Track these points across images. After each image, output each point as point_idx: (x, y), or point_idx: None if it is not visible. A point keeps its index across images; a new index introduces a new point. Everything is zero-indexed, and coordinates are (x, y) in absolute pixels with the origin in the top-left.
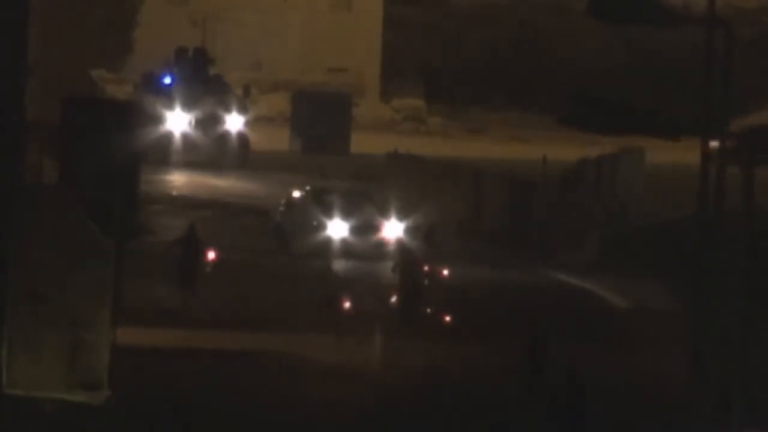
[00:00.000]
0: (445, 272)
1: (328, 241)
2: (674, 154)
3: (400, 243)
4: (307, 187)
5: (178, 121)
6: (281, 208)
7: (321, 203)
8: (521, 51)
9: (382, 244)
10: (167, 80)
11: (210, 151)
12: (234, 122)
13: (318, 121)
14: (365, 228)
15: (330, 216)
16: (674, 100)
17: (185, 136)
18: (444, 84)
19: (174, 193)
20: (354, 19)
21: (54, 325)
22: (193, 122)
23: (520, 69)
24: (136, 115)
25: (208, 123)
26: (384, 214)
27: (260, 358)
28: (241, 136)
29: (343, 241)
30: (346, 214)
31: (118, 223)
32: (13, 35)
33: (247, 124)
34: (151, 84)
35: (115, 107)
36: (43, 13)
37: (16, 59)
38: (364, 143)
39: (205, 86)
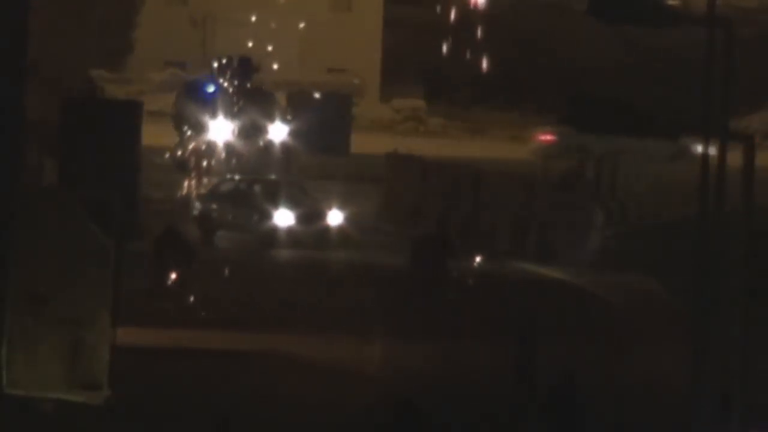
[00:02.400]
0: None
1: (263, 230)
2: None
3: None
4: (236, 177)
5: (221, 130)
6: (198, 200)
7: (251, 193)
8: (521, 51)
9: (322, 233)
10: (211, 89)
11: (253, 160)
12: (277, 131)
13: (318, 121)
14: (307, 216)
15: (263, 206)
16: (674, 100)
17: (228, 146)
18: (444, 84)
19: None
20: (354, 19)
21: (54, 325)
22: (236, 131)
23: (520, 69)
24: (135, 115)
25: (251, 132)
26: (318, 203)
27: (260, 359)
28: (285, 146)
29: (280, 230)
30: (278, 204)
31: (118, 223)
32: (13, 35)
33: (291, 133)
34: (193, 92)
35: (115, 107)
36: (43, 13)
37: (16, 59)
38: (364, 143)
39: (249, 95)
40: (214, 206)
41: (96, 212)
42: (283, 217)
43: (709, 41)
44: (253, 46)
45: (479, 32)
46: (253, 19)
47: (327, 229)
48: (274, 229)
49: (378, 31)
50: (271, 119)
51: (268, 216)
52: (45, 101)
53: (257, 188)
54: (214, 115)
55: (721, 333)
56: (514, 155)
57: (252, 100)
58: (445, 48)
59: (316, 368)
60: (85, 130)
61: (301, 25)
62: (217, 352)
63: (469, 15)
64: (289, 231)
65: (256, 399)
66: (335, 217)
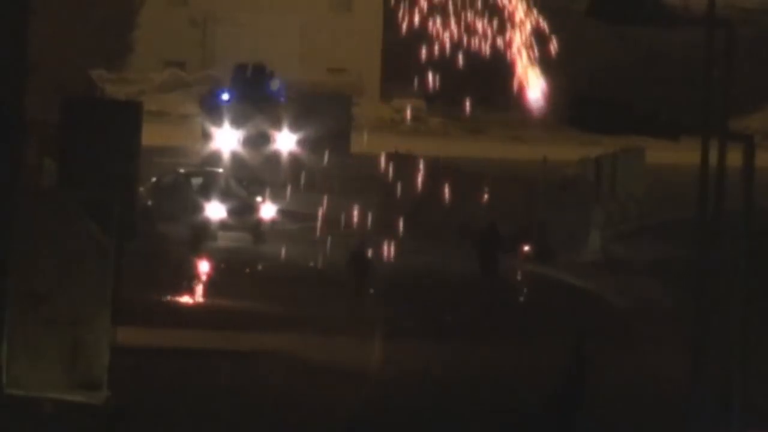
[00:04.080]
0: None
1: (202, 222)
2: (674, 155)
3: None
4: (181, 170)
5: (228, 139)
6: (142, 193)
7: (190, 186)
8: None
9: (257, 225)
10: (225, 97)
11: (258, 169)
12: (285, 141)
13: (318, 122)
14: (239, 209)
15: (195, 198)
16: (674, 100)
17: (234, 155)
18: (444, 84)
19: None
20: (354, 19)
21: (54, 325)
22: (241, 140)
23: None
24: (135, 115)
25: (257, 141)
26: (252, 196)
27: (260, 359)
28: (292, 156)
29: (220, 222)
30: (211, 197)
31: (118, 223)
32: (13, 35)
33: (299, 142)
34: (210, 101)
35: (115, 107)
36: (43, 13)
37: (16, 59)
38: (364, 143)
39: (260, 103)
40: (156, 199)
41: (96, 212)
42: (215, 210)
43: (709, 41)
44: (253, 46)
45: (479, 32)
46: (253, 19)
47: (258, 221)
48: (206, 221)
49: (378, 31)
50: (279, 127)
51: (200, 208)
52: (45, 101)
53: (194, 181)
54: (229, 122)
55: (721, 333)
56: (514, 155)
57: (260, 107)
58: (444, 48)
59: (316, 368)
60: (85, 130)
61: (301, 25)
62: (217, 352)
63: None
64: (221, 223)
65: (255, 399)
66: (268, 211)
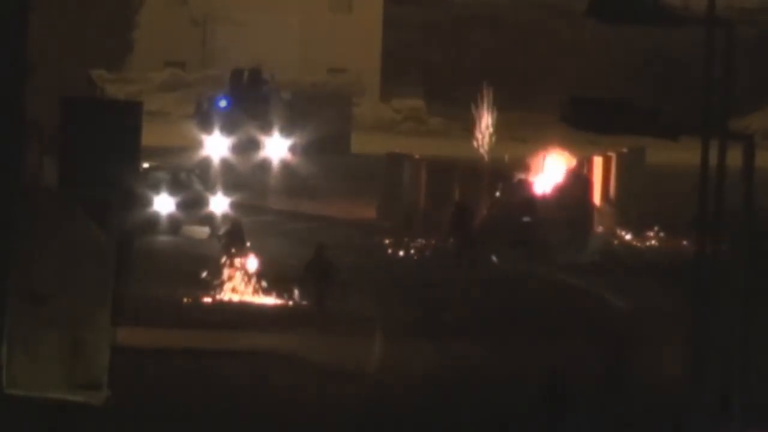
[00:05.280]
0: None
1: (154, 216)
2: (673, 155)
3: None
4: (146, 165)
5: (218, 145)
6: None
7: (149, 180)
8: (521, 51)
9: (208, 219)
10: (223, 103)
11: (248, 177)
12: (276, 147)
13: (318, 122)
14: (191, 203)
15: (146, 192)
16: (674, 100)
17: (224, 162)
18: (444, 84)
19: None
20: (354, 19)
21: (54, 325)
22: (230, 147)
23: (520, 69)
24: (135, 115)
25: (247, 148)
26: (210, 190)
27: (260, 358)
28: (284, 163)
29: (170, 216)
30: (172, 191)
31: (118, 223)
32: (13, 35)
33: (292, 148)
34: (207, 107)
35: (115, 107)
36: (43, 13)
37: (16, 59)
38: (364, 143)
39: (253, 108)
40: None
41: (96, 212)
42: (163, 204)
43: (709, 41)
44: (253, 46)
45: (479, 32)
46: (253, 19)
47: (209, 215)
48: (155, 215)
49: (378, 31)
50: (270, 133)
51: (148, 202)
52: (45, 101)
53: (153, 176)
54: (220, 129)
55: (721, 333)
56: (514, 155)
57: (252, 113)
58: (444, 48)
59: (316, 368)
60: (85, 130)
61: (301, 25)
62: (217, 352)
63: (468, 15)
64: (171, 217)
65: (255, 399)
66: (219, 204)
